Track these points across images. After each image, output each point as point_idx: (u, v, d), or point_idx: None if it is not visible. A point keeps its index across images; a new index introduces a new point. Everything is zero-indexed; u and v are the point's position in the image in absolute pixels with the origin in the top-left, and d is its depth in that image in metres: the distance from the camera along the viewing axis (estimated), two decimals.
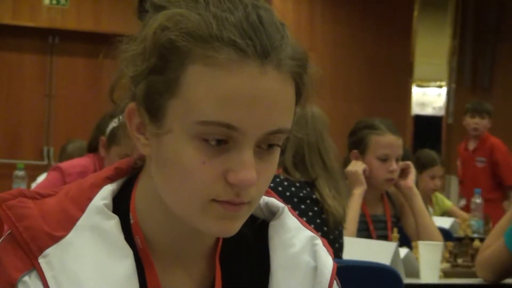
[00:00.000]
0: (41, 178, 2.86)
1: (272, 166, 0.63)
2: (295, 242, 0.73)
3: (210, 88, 0.59)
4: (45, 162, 4.75)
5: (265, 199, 0.74)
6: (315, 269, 0.71)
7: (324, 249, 0.73)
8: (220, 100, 0.58)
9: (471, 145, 3.98)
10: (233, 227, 0.62)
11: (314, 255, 0.72)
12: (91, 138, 2.47)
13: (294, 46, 0.62)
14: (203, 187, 0.59)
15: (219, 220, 0.61)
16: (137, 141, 0.64)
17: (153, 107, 0.61)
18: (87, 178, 0.73)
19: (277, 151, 0.63)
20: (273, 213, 0.74)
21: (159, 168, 0.63)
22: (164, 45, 0.60)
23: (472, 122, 3.87)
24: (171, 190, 0.63)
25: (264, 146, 0.61)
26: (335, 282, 0.74)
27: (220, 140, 0.59)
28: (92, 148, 2.44)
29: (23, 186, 2.98)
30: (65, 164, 2.51)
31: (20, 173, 3.03)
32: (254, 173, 0.58)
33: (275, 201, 0.74)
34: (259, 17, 0.61)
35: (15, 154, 4.89)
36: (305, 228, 0.74)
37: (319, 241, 0.73)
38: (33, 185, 2.92)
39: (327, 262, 0.72)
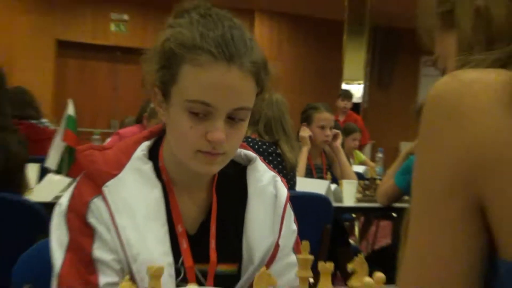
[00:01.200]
0: (108, 140, 3.48)
1: (239, 132, 0.87)
2: (263, 179, 0.98)
3: (194, 79, 0.81)
4: (112, 130, 6.37)
5: (244, 151, 0.98)
6: (276, 196, 0.97)
7: (282, 184, 0.99)
8: (200, 87, 0.81)
9: (341, 118, 5.29)
10: (213, 169, 0.87)
11: (275, 187, 0.98)
12: (138, 114, 3.43)
13: (255, 54, 0.83)
14: (191, 143, 0.84)
15: (203, 164, 0.87)
16: (159, 113, 0.90)
17: (164, 91, 0.86)
18: (132, 138, 0.97)
19: (242, 124, 0.86)
20: (249, 161, 0.99)
21: (169, 130, 0.89)
22: (167, 51, 0.82)
23: (343, 103, 5.42)
24: (174, 144, 0.89)
25: (233, 119, 0.84)
26: (288, 205, 1.00)
27: (201, 113, 0.82)
28: (139, 121, 3.36)
29: None
30: (122, 131, 3.37)
31: (96, 137, 3.63)
32: (223, 135, 0.82)
33: (250, 153, 0.99)
34: (231, 34, 0.82)
35: (94, 125, 7.09)
36: (270, 170, 1.00)
37: (278, 179, 0.99)
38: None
39: (284, 192, 0.98)
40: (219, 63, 0.83)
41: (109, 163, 0.95)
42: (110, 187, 0.92)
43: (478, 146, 0.49)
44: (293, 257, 1.05)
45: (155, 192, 0.94)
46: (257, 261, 0.99)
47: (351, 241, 3.43)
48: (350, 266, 0.78)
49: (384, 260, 1.75)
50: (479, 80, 0.51)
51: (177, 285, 0.94)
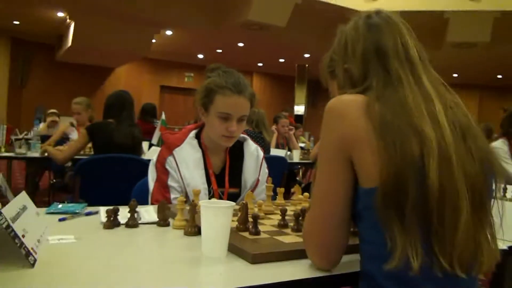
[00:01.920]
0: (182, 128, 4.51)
1: (242, 127, 1.84)
2: (251, 148, 2.01)
3: (223, 102, 1.77)
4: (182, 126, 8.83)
5: (242, 135, 1.99)
6: (257, 156, 2.01)
7: (260, 150, 2.04)
8: (226, 106, 1.77)
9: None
10: (230, 144, 1.88)
11: (257, 152, 2.03)
12: (194, 120, 5.26)
13: (250, 90, 1.81)
14: (220, 132, 1.81)
15: (225, 142, 1.85)
16: (202, 117, 1.87)
17: (205, 108, 1.84)
18: (188, 127, 1.99)
19: (244, 123, 1.84)
20: (245, 139, 2.02)
21: (207, 126, 1.87)
22: (208, 88, 1.80)
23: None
24: (210, 132, 1.87)
25: (240, 120, 1.81)
26: (264, 161, 2.01)
27: (225, 118, 1.79)
28: (195, 122, 4.13)
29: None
30: (187, 126, 4.44)
31: (176, 130, 5.32)
32: (236, 128, 1.79)
33: (244, 136, 2.00)
34: (240, 80, 1.79)
35: (174, 124, 10.68)
36: (254, 144, 2.05)
37: (259, 148, 2.06)
38: None
39: (261, 154, 2.03)
40: (235, 94, 1.78)
41: (176, 139, 1.97)
42: (177, 151, 1.88)
43: (349, 133, 0.98)
44: (265, 185, 2.09)
45: (198, 154, 1.91)
46: (248, 187, 2.03)
47: (297, 179, 6.30)
48: (292, 190, 1.82)
49: None
50: (351, 100, 1.00)
51: (209, 198, 1.96)
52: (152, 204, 1.86)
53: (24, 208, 1.17)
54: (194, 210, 1.32)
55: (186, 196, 1.91)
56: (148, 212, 1.56)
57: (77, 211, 1.50)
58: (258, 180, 2.07)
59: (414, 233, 0.89)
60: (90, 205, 1.58)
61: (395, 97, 0.98)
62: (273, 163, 2.84)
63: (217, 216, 1.12)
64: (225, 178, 2.00)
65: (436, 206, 0.89)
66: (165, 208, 1.42)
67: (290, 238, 1.24)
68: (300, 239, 1.22)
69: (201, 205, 1.12)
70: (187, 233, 1.31)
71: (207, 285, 0.98)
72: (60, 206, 1.55)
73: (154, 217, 1.49)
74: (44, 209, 1.49)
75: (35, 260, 1.00)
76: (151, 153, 4.12)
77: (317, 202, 1.04)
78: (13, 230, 0.98)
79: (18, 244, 0.98)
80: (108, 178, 3.26)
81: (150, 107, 5.82)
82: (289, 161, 4.74)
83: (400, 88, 0.99)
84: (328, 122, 1.03)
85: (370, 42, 1.07)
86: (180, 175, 1.89)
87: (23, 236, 1.02)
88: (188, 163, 1.91)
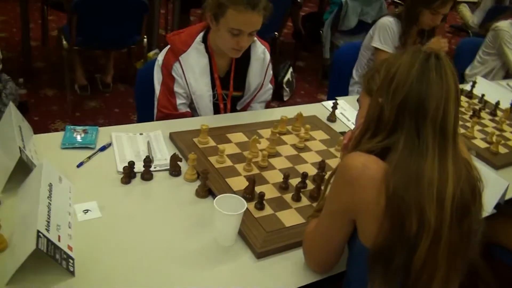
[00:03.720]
0: None
1: (252, 39, 1.81)
2: (258, 50, 1.98)
3: (235, 17, 1.67)
4: None
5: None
6: (264, 59, 2.00)
7: (267, 52, 2.02)
8: (238, 22, 1.68)
9: None
10: (239, 55, 1.83)
11: (264, 54, 2.01)
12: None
13: (264, 2, 1.69)
14: (230, 45, 1.76)
15: (234, 54, 1.81)
16: (211, 25, 1.78)
17: (216, 19, 1.74)
18: (194, 27, 1.89)
19: (254, 35, 1.80)
20: (253, 41, 1.93)
21: (216, 36, 1.80)
22: (219, 2, 1.69)
23: None
24: (220, 43, 1.80)
25: (251, 34, 1.74)
26: (270, 65, 2.03)
27: (236, 34, 1.72)
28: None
29: None
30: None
31: None
32: (245, 42, 1.76)
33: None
34: None
35: None
36: (262, 45, 2.00)
37: (266, 50, 2.01)
38: None
39: (268, 57, 2.02)
40: (248, 10, 1.67)
41: (182, 43, 1.88)
42: (183, 57, 1.85)
43: (357, 202, 1.02)
44: (269, 86, 2.13)
45: (205, 60, 1.90)
46: (252, 90, 2.05)
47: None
48: (296, 115, 1.86)
49: None
50: (368, 167, 1.01)
51: (214, 102, 1.99)
52: (158, 110, 1.90)
53: (50, 187, 1.25)
54: (206, 178, 1.40)
55: (191, 101, 1.94)
56: (160, 149, 1.62)
57: (92, 145, 1.56)
58: (263, 84, 2.07)
59: (393, 285, 1.04)
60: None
61: (413, 169, 0.99)
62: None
63: (230, 220, 1.22)
64: (230, 82, 1.99)
65: (416, 273, 1.01)
66: (176, 159, 1.49)
67: (290, 217, 1.37)
68: (300, 216, 1.37)
69: (216, 208, 1.21)
70: (199, 196, 1.42)
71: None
72: (74, 135, 1.59)
73: (166, 155, 1.57)
74: (59, 135, 1.54)
75: (74, 267, 1.11)
76: None
77: (319, 234, 1.14)
78: (52, 251, 1.07)
79: (59, 261, 1.09)
80: (106, 17, 3.11)
81: None
82: None
83: (422, 161, 0.99)
84: (340, 182, 1.06)
85: (415, 94, 1.01)
86: (186, 82, 1.88)
87: (59, 238, 1.13)
88: (195, 70, 1.88)
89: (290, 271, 1.22)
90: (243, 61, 1.95)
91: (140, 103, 2.12)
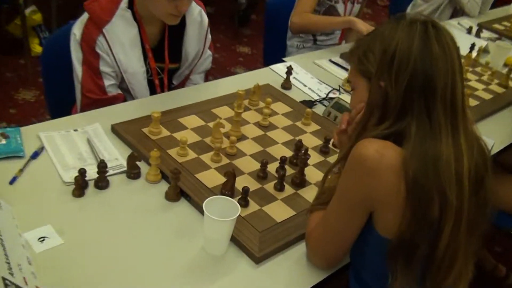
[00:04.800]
0: None
1: (192, 2, 1.82)
2: (194, 12, 1.92)
3: None
4: None
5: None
6: (201, 23, 1.97)
7: (205, 14, 1.97)
8: None
9: None
10: (177, 22, 1.78)
11: (201, 16, 1.96)
12: None
13: None
14: (167, 11, 1.70)
15: (172, 21, 1.76)
16: None
17: None
18: None
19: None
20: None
21: (148, 0, 1.73)
22: None
23: None
24: (153, 8, 1.73)
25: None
26: (208, 28, 2.04)
27: None
28: None
29: None
30: None
31: None
32: (185, 6, 1.71)
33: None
34: None
35: None
36: (198, 5, 1.94)
37: (203, 11, 1.97)
38: None
39: (205, 19, 1.98)
40: None
41: (104, 12, 1.77)
42: (108, 29, 1.77)
43: (376, 193, 1.07)
44: (209, 53, 2.12)
45: (134, 30, 1.83)
46: (190, 60, 2.01)
47: None
48: (253, 89, 1.87)
49: None
50: (386, 154, 1.06)
51: (148, 78, 1.93)
52: (84, 96, 1.80)
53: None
54: (177, 178, 1.38)
55: (122, 80, 1.86)
56: (106, 147, 1.55)
57: (20, 153, 1.45)
58: (203, 52, 2.04)
59: (414, 274, 1.13)
60: None
61: (430, 153, 1.06)
62: None
63: (223, 227, 1.23)
64: (165, 52, 1.94)
65: (440, 258, 1.12)
66: (135, 159, 1.44)
67: (279, 210, 1.41)
68: (288, 208, 1.42)
69: (207, 215, 1.21)
70: (170, 199, 1.40)
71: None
72: None
73: (116, 154, 1.51)
74: None
75: None
76: None
77: (329, 230, 1.20)
78: None
79: None
80: None
81: None
82: None
83: (437, 143, 1.07)
84: (357, 173, 1.10)
85: (421, 73, 1.06)
86: (115, 59, 1.80)
87: (25, 281, 1.07)
88: (123, 43, 1.81)
89: (296, 271, 1.27)
90: (177, 26, 1.90)
91: (50, 89, 1.99)
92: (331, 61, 2.38)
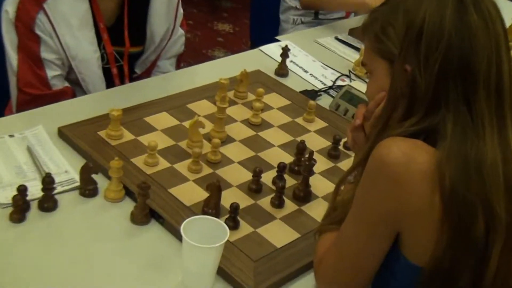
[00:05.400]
0: None
1: None
2: None
3: None
4: None
5: None
6: None
7: None
8: None
9: None
10: None
11: None
12: None
13: None
14: None
15: None
16: None
17: None
18: None
19: None
20: None
21: None
22: None
23: None
24: None
25: None
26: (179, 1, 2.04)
27: None
28: None
29: None
30: None
31: None
32: None
33: None
34: None
35: None
36: None
37: None
38: None
39: None
40: None
41: None
42: (50, 4, 1.76)
43: (405, 206, 1.06)
44: (180, 31, 2.12)
45: (84, 5, 1.82)
46: (157, 42, 2.01)
47: None
48: (239, 76, 1.87)
49: None
50: (414, 158, 1.05)
51: (103, 66, 1.91)
52: (20, 91, 1.79)
53: None
54: (145, 195, 1.37)
55: (70, 69, 1.86)
56: (51, 156, 1.54)
57: None
58: (173, 30, 2.04)
59: None
60: None
61: (471, 154, 1.05)
62: None
63: (208, 256, 1.22)
64: (124, 33, 1.93)
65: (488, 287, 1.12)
66: (90, 171, 1.43)
67: (278, 232, 1.41)
68: (290, 229, 1.42)
69: (186, 240, 1.20)
70: (137, 222, 1.39)
71: None
72: None
73: (65, 165, 1.50)
74: None
75: None
76: None
77: (344, 256, 1.19)
78: None
79: None
80: None
81: None
82: None
83: (480, 142, 1.06)
84: (378, 182, 1.09)
85: (457, 51, 1.05)
86: (60, 42, 1.80)
87: None
88: (71, 22, 1.80)
89: None
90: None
91: None
92: (337, 39, 2.39)
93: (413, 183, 1.06)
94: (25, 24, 1.75)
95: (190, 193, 1.47)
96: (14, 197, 1.33)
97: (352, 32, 2.42)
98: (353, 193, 1.18)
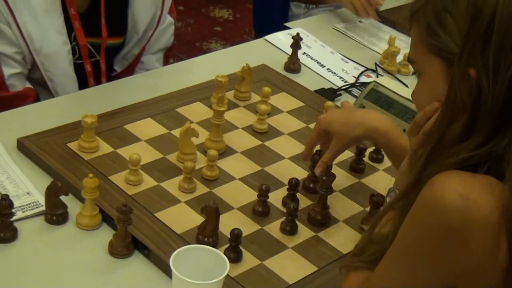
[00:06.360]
0: None
1: None
2: None
3: None
4: None
5: None
6: None
7: None
8: None
9: None
10: None
11: None
12: None
13: None
14: None
15: None
16: None
17: None
18: None
19: None
20: None
21: None
22: None
23: None
24: None
25: None
26: None
27: None
28: None
29: None
30: None
31: None
32: None
33: None
34: None
35: None
36: None
37: None
38: None
39: None
40: None
41: None
42: None
43: (462, 263, 1.03)
44: (169, 19, 2.13)
45: None
46: (141, 32, 2.03)
47: None
48: (240, 73, 1.87)
49: None
50: (476, 202, 1.00)
51: (75, 62, 1.91)
52: None
53: None
54: (127, 220, 1.36)
55: (33, 66, 1.87)
56: (10, 175, 1.54)
57: None
58: (160, 18, 2.07)
59: None
60: None
61: None
62: None
63: None
64: (101, 20, 1.95)
65: None
66: (58, 192, 1.42)
67: (291, 264, 1.40)
68: (305, 260, 1.41)
69: (177, 276, 1.19)
70: (117, 254, 1.38)
71: None
72: None
73: (27, 186, 1.51)
74: None
75: None
76: None
77: None
78: None
79: None
80: None
81: None
82: None
83: None
84: (430, 231, 1.05)
85: None
86: (20, 32, 1.81)
87: None
88: (34, 7, 1.81)
89: None
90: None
91: None
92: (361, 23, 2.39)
93: (473, 234, 1.03)
94: None
95: (182, 217, 1.47)
96: None
97: (381, 14, 2.38)
98: (395, 224, 1.15)
